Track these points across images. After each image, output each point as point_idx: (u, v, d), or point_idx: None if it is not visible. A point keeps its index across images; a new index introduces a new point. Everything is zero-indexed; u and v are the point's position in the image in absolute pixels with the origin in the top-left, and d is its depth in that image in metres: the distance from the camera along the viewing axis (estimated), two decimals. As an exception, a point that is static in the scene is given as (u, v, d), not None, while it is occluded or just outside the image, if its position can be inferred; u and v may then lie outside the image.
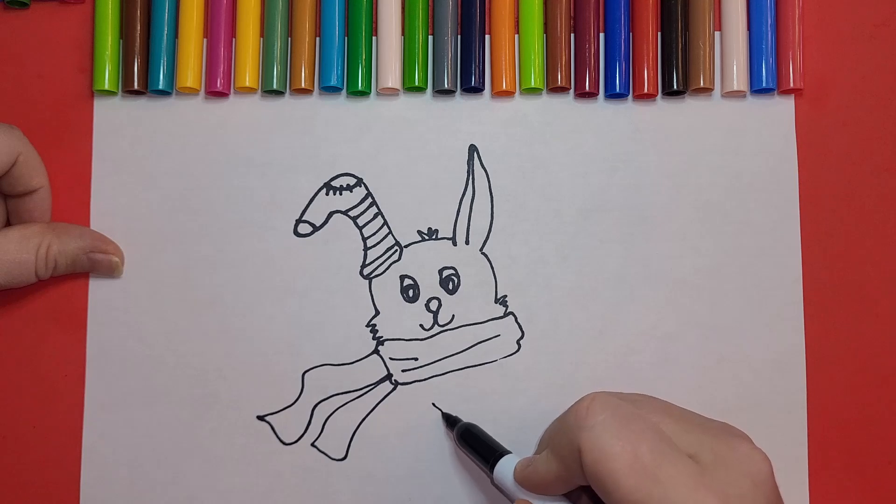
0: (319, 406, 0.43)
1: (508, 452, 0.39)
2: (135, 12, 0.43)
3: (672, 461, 0.32)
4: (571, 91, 0.44)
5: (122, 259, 0.43)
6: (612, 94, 0.44)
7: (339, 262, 0.43)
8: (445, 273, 0.43)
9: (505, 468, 0.38)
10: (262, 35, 0.44)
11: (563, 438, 0.34)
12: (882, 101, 0.44)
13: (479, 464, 0.41)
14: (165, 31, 0.44)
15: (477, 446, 0.40)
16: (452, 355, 0.43)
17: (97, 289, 0.43)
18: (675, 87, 0.43)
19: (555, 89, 0.44)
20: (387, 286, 0.43)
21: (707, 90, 0.44)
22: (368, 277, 0.43)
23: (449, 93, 0.44)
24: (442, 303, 0.43)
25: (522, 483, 0.37)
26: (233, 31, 0.44)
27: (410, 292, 0.43)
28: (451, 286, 0.43)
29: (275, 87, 0.43)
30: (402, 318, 0.43)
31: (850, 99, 0.44)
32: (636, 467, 0.31)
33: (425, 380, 0.43)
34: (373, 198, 0.44)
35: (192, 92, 0.44)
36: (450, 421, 0.42)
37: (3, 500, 0.43)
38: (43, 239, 0.41)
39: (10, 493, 0.43)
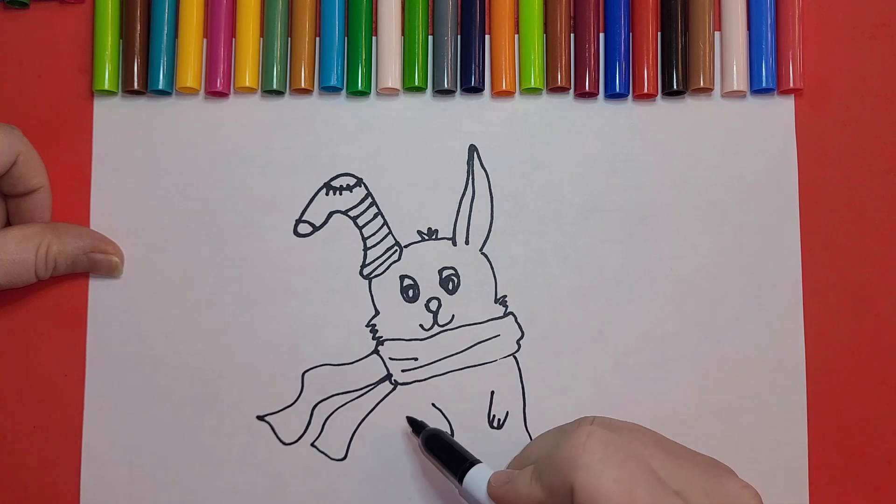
0: (319, 406, 0.43)
1: (478, 462, 0.37)
2: (135, 12, 0.43)
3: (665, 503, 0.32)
4: (571, 91, 0.44)
5: (122, 259, 0.43)
6: (611, 94, 0.44)
7: (339, 262, 0.43)
8: (445, 273, 0.43)
9: (476, 479, 0.36)
10: (262, 35, 0.44)
11: (554, 471, 0.33)
12: (882, 101, 0.44)
13: (445, 473, 0.38)
14: (165, 31, 0.44)
15: (443, 455, 0.38)
16: (452, 355, 0.43)
17: (97, 289, 0.43)
18: (675, 87, 0.43)
19: (555, 89, 0.44)
20: (387, 286, 0.43)
21: (707, 90, 0.44)
22: (368, 277, 0.43)
23: (449, 93, 0.44)
24: (442, 303, 0.43)
25: (497, 499, 0.35)
26: (233, 31, 0.44)
27: (410, 292, 0.43)
28: (450, 286, 0.43)
29: (275, 87, 0.43)
30: (401, 318, 0.43)
31: (850, 99, 0.44)
32: None
33: (425, 380, 0.43)
34: (373, 198, 0.44)
35: (192, 92, 0.44)
36: (416, 426, 0.41)
37: (3, 500, 0.43)
38: (43, 239, 0.41)
39: (10, 493, 0.43)
